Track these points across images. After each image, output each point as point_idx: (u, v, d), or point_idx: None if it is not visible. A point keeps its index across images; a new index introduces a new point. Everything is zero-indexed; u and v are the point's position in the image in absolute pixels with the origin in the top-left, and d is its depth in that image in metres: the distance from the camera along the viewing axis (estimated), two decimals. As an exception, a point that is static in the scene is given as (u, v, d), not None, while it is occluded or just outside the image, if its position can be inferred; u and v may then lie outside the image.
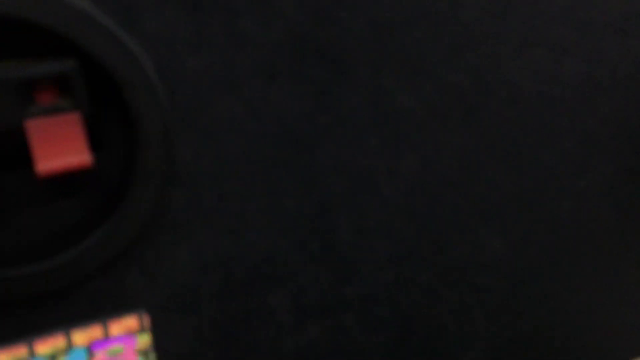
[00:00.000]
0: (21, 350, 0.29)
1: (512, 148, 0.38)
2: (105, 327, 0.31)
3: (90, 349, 0.31)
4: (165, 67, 0.28)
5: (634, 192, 0.43)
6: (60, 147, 0.27)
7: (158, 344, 0.33)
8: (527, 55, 0.37)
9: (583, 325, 0.45)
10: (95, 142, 0.29)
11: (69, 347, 0.30)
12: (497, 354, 0.43)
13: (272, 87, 0.31)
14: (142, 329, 0.32)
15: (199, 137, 0.30)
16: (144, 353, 0.32)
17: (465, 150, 0.37)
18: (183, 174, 0.30)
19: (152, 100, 0.28)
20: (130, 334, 0.31)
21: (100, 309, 0.31)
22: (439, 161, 0.36)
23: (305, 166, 0.33)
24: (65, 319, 0.30)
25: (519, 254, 0.41)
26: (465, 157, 0.37)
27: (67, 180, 0.29)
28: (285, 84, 0.31)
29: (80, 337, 0.30)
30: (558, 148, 0.40)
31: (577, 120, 0.40)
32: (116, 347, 0.31)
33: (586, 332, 0.46)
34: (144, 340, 0.32)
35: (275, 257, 0.34)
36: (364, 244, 0.36)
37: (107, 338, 0.31)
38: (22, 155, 0.28)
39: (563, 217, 0.41)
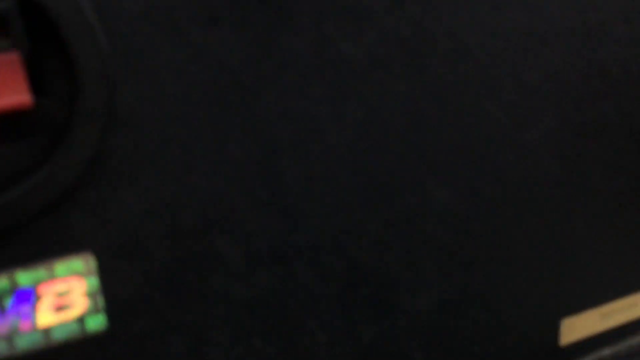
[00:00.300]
0: (-34, 292, 0.30)
1: (456, 99, 0.39)
2: (51, 269, 0.31)
3: (36, 291, 0.31)
4: (104, 8, 0.29)
5: (578, 146, 0.45)
6: (-2, 85, 0.27)
7: (106, 288, 0.33)
8: (470, 7, 0.38)
9: (530, 277, 0.47)
10: (37, 87, 0.30)
11: (14, 288, 0.31)
12: (447, 304, 0.44)
13: (214, 32, 0.31)
14: (89, 272, 0.32)
15: (141, 80, 0.30)
16: (91, 296, 0.33)
17: (410, 100, 0.38)
18: (125, 116, 0.31)
19: (90, 39, 0.28)
20: (77, 277, 0.32)
21: (45, 251, 0.31)
22: (384, 110, 0.37)
23: (250, 112, 0.34)
24: (9, 260, 0.30)
25: (466, 205, 0.42)
26: (409, 107, 0.38)
27: (8, 122, 0.29)
28: (227, 29, 0.32)
29: (25, 278, 0.31)
30: (502, 100, 0.41)
31: (520, 73, 0.41)
32: (63, 289, 0.32)
33: (533, 284, 0.47)
34: (92, 283, 0.33)
35: (222, 203, 0.35)
36: (311, 192, 0.37)
37: (53, 279, 0.31)
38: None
39: (509, 169, 0.42)
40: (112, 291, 0.34)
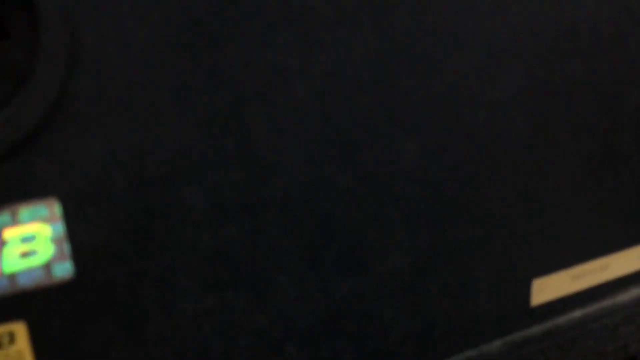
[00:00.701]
0: None
1: (425, 54, 0.40)
2: (15, 214, 0.31)
3: (0, 235, 0.31)
4: (65, -52, 0.29)
5: (548, 105, 0.45)
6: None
7: (72, 235, 0.33)
8: (437, -39, 0.38)
9: (501, 236, 0.47)
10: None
11: (-22, 230, 0.31)
12: (417, 261, 0.44)
13: (178, -23, 0.31)
14: (54, 218, 0.32)
15: (104, 23, 0.30)
16: (57, 243, 0.33)
17: (378, 54, 0.38)
18: (88, 60, 0.31)
19: (50, -22, 0.28)
20: (42, 223, 0.32)
21: (9, 197, 0.31)
22: (351, 63, 0.37)
23: (215, 61, 0.34)
24: (-27, 203, 0.30)
25: (436, 162, 0.42)
26: (377, 60, 0.38)
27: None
28: (191, -25, 0.32)
29: (-11, 221, 0.31)
30: (470, 57, 0.41)
31: (488, 30, 0.41)
32: (28, 234, 0.32)
33: (503, 244, 0.48)
34: (57, 230, 0.33)
35: (188, 152, 0.35)
36: (279, 143, 0.37)
37: (17, 224, 0.31)
38: None
39: (477, 126, 0.43)
40: (78, 238, 0.34)
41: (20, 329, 0.33)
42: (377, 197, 0.41)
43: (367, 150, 0.40)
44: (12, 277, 0.32)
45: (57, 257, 0.33)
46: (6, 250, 0.32)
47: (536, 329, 0.52)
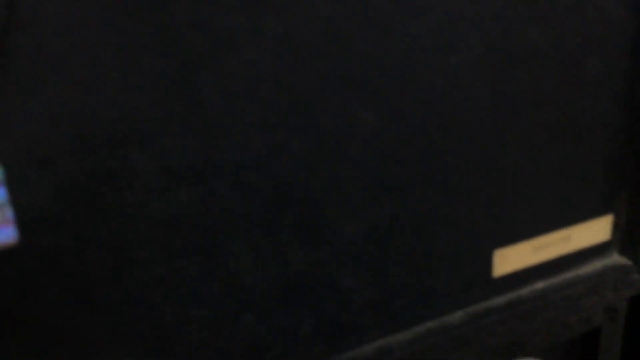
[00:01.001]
0: None
1: (382, 19, 0.39)
2: (-47, 175, 0.31)
3: (-63, 197, 0.30)
4: None
5: (506, 71, 0.45)
6: None
7: (16, 199, 0.33)
8: None
9: (461, 206, 0.47)
10: None
11: None
12: (376, 230, 0.44)
13: None
14: (-5, 181, 0.32)
15: (41, -22, 0.30)
16: (0, 207, 0.32)
17: (331, 18, 0.37)
18: (28, 17, 0.30)
19: None
20: (-19, 185, 0.31)
21: (-54, 157, 0.30)
22: (304, 27, 0.37)
23: (161, 20, 0.33)
24: None
25: (393, 129, 0.42)
26: (331, 24, 0.38)
27: None
28: None
29: None
30: (428, 23, 0.41)
31: (446, -6, 0.41)
32: (-34, 197, 0.31)
33: (464, 214, 0.47)
34: (0, 194, 0.32)
35: (135, 115, 0.34)
36: (231, 108, 0.36)
37: (-45, 186, 0.31)
38: None
39: (435, 92, 0.43)
40: (22, 203, 0.33)
41: (-38, 296, 0.33)
42: (334, 164, 0.41)
43: (323, 116, 0.39)
44: (-48, 241, 0.31)
45: (0, 222, 0.32)
46: (-56, 214, 0.31)
47: (498, 300, 0.52)
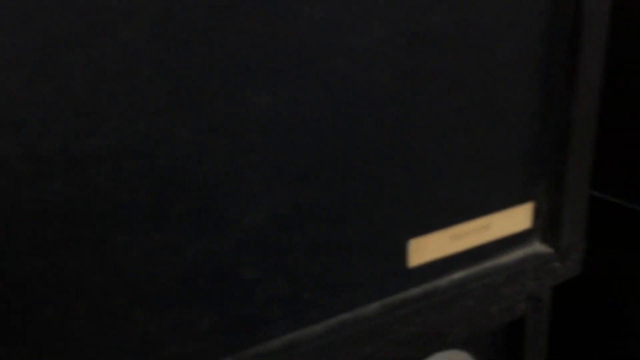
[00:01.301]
0: None
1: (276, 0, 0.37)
2: None
3: None
4: None
5: (412, 55, 0.44)
6: None
7: None
8: None
9: (371, 193, 0.46)
10: None
11: None
12: (278, 218, 0.42)
13: None
14: None
15: None
16: None
17: (215, -5, 0.36)
18: None
19: None
20: None
21: None
22: (186, 5, 0.35)
23: (20, -5, 0.31)
24: None
25: (291, 114, 0.40)
26: (217, 2, 0.36)
27: None
28: None
29: None
30: (325, 2, 0.39)
31: (342, -27, 0.39)
32: None
33: (375, 201, 0.46)
34: None
35: (-3, 97, 0.32)
36: (106, 90, 0.34)
37: None
38: None
39: (335, 76, 0.41)
40: None
41: None
42: (228, 151, 0.39)
43: (213, 100, 0.38)
44: None
45: None
46: None
47: (415, 291, 0.51)
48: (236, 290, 0.43)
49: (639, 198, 0.64)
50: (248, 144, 0.40)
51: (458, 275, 0.52)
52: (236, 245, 0.42)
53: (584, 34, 0.49)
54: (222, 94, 0.38)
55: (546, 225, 0.56)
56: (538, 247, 0.56)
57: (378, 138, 0.44)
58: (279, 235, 0.43)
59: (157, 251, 0.39)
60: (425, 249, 0.50)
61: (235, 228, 0.41)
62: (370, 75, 0.42)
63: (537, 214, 0.55)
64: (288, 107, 0.40)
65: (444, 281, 0.52)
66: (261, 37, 0.38)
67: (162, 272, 0.39)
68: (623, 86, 0.64)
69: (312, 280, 0.45)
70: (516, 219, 0.55)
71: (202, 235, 0.40)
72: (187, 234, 0.39)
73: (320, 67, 0.40)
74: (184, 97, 0.37)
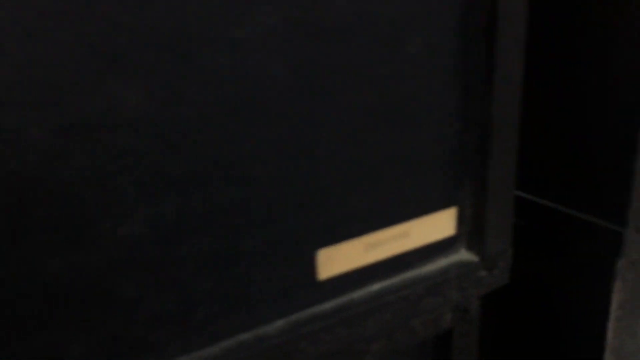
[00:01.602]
0: None
1: (136, -20, 0.33)
2: None
3: None
4: None
5: (311, 49, 0.40)
6: None
7: None
8: None
9: (273, 200, 0.42)
10: None
11: None
12: (160, 229, 0.38)
13: None
14: None
15: None
16: None
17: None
18: None
19: None
20: None
21: None
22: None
23: None
24: None
25: (168, 112, 0.36)
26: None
27: None
28: None
29: None
30: (201, -13, 0.35)
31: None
32: None
33: (277, 209, 0.42)
34: None
35: None
36: None
37: None
38: None
39: (219, 71, 0.37)
40: None
41: None
42: (91, 154, 0.35)
43: (69, 95, 0.33)
44: None
45: None
46: None
47: (326, 305, 0.47)
48: (114, 311, 0.38)
49: (570, 200, 0.62)
50: (116, 145, 0.35)
51: (374, 287, 0.48)
52: (111, 259, 0.37)
53: (500, 27, 0.46)
54: (79, 88, 0.33)
55: (471, 231, 0.52)
56: (463, 255, 0.53)
57: (273, 138, 0.40)
58: (161, 247, 0.38)
59: (13, 268, 0.34)
60: (336, 259, 0.46)
61: (108, 240, 0.37)
62: (260, 69, 0.38)
63: (461, 220, 0.52)
64: (163, 104, 0.36)
65: (358, 294, 0.48)
66: (128, 26, 0.34)
67: (18, 290, 0.35)
68: (554, 84, 0.62)
69: (204, 296, 0.41)
70: (438, 225, 0.51)
71: (66, 248, 0.35)
72: (47, 246, 0.35)
73: (200, 61, 0.36)
74: (36, 90, 0.32)
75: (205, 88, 0.37)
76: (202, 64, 0.36)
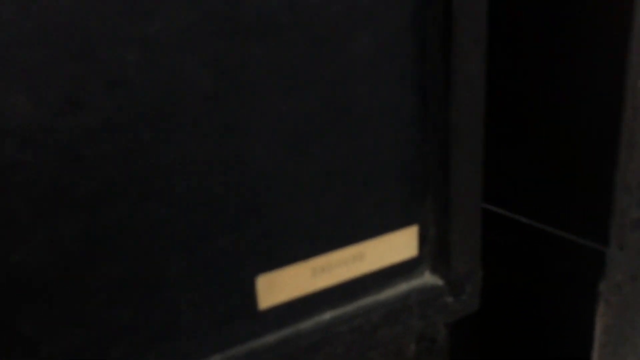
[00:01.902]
0: None
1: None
2: None
3: None
4: None
5: (236, 48, 0.35)
6: None
7: None
8: None
9: (194, 216, 0.37)
10: None
11: None
12: (63, 256, 0.33)
13: None
14: None
15: None
16: None
17: None
18: None
19: None
20: None
21: None
22: None
23: None
24: None
25: (63, 119, 0.31)
26: None
27: None
28: None
29: None
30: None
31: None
32: None
33: (201, 227, 0.37)
34: None
35: None
36: None
37: None
38: None
39: (123, 72, 0.32)
40: None
41: None
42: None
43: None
44: None
45: None
46: None
47: (267, 338, 0.41)
48: (12, 351, 0.33)
49: (545, 215, 0.57)
50: (3, 158, 0.30)
51: (324, 316, 0.43)
52: (2, 292, 0.32)
53: (458, 25, 0.41)
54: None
55: (435, 252, 0.47)
56: (427, 278, 0.48)
57: (195, 147, 0.35)
58: (65, 276, 0.33)
59: None
60: (279, 286, 0.41)
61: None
62: (176, 70, 0.34)
63: (424, 239, 0.47)
64: (59, 110, 0.31)
65: (305, 325, 0.42)
66: (10, 19, 0.29)
67: None
68: (529, 88, 0.57)
69: (121, 332, 0.36)
70: (398, 245, 0.46)
71: (-54, 280, 0.30)
72: None
73: (102, 60, 0.32)
74: None
75: (111, 91, 0.32)
76: (104, 64, 0.32)
